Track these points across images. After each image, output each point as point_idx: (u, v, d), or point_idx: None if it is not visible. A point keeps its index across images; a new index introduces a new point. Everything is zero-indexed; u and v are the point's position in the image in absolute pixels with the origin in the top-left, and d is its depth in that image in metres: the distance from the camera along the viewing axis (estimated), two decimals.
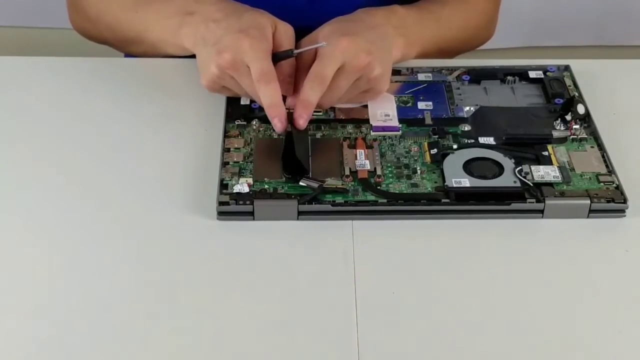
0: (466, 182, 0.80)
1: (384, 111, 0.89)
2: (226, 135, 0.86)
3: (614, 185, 0.81)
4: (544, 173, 0.81)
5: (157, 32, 0.95)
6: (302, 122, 0.84)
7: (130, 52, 1.03)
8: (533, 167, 0.81)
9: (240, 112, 0.89)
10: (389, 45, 0.90)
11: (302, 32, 0.89)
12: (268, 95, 0.83)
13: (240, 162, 0.83)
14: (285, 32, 0.87)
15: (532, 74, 0.95)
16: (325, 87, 0.83)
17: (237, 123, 0.87)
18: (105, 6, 1.00)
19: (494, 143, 0.85)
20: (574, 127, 0.86)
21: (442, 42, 1.00)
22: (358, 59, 0.84)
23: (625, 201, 0.79)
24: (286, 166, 0.81)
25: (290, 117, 0.84)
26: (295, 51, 0.86)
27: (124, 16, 0.99)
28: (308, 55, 0.86)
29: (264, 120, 0.86)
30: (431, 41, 0.98)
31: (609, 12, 1.73)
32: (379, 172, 0.82)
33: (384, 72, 0.87)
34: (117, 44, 1.03)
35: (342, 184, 0.80)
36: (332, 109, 0.90)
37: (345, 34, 0.85)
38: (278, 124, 0.83)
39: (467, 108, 0.90)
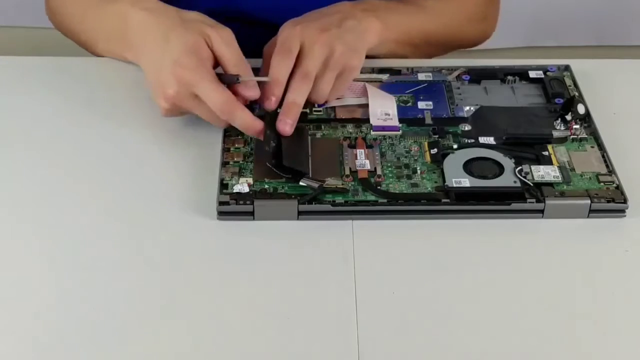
0: (466, 182, 0.80)
1: (384, 110, 0.89)
2: (226, 135, 0.86)
3: (614, 185, 0.81)
4: (544, 173, 0.81)
5: (106, 45, 0.96)
6: (274, 100, 0.83)
7: (94, 54, 1.01)
8: (533, 167, 0.81)
9: None
10: (354, 26, 0.89)
11: None
12: (239, 122, 0.83)
13: (241, 162, 0.83)
14: (222, 40, 0.84)
15: (532, 74, 0.95)
16: (292, 62, 0.84)
17: None
18: (65, 15, 1.01)
19: (494, 143, 0.85)
20: (574, 127, 0.86)
21: (428, 32, 0.98)
22: (314, 37, 0.85)
23: (625, 201, 0.79)
24: (280, 168, 0.81)
25: (264, 118, 0.83)
26: (241, 78, 0.83)
27: (77, 26, 0.99)
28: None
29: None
30: (415, 29, 0.97)
31: (609, 12, 1.73)
32: (379, 172, 0.82)
33: (346, 49, 0.86)
34: (82, 46, 1.02)
35: (342, 184, 0.80)
36: (332, 108, 0.90)
37: (298, 23, 0.86)
38: (262, 135, 0.83)
39: (467, 108, 0.90)
